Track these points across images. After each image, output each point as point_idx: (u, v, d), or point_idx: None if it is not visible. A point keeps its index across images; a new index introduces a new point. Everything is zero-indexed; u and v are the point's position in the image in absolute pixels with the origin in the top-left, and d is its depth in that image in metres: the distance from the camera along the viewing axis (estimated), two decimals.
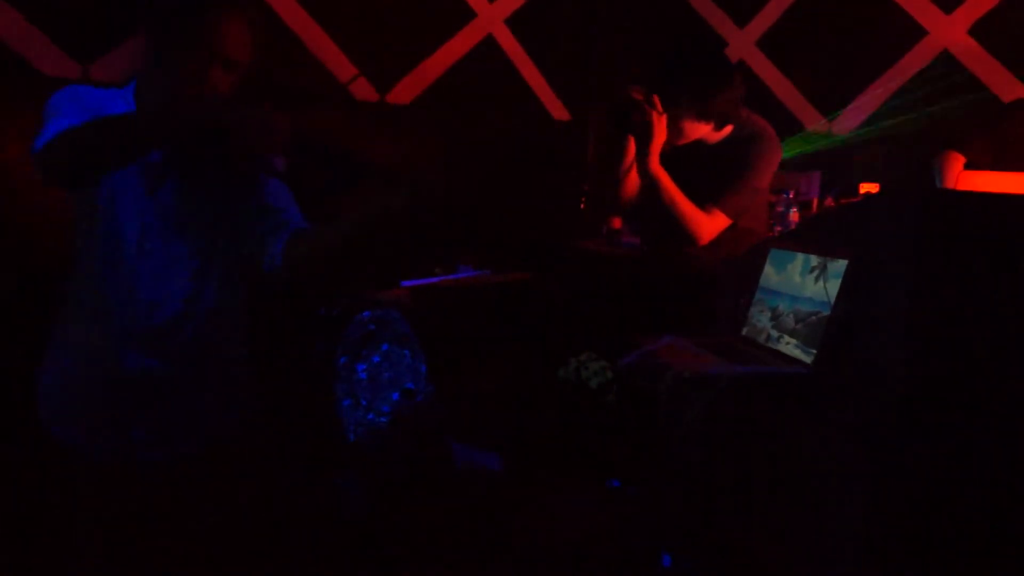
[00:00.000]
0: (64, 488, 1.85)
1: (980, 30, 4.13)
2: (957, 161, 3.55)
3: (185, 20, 1.66)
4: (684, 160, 2.52)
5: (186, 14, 1.66)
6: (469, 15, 4.37)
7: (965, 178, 3.51)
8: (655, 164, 2.51)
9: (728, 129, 2.63)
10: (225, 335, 1.91)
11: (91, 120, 1.55)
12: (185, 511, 1.86)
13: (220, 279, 1.84)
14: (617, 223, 4.30)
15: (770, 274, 1.97)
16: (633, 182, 2.72)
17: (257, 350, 2.07)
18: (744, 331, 2.00)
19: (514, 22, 4.50)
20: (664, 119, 2.49)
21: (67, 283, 1.84)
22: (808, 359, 1.71)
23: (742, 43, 4.58)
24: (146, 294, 1.77)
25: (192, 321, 1.81)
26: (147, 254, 1.77)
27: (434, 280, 3.68)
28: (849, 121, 4.41)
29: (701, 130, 2.60)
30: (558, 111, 4.72)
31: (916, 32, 4.24)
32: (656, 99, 2.48)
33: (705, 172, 2.54)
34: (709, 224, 2.53)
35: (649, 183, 2.53)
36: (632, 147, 2.64)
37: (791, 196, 3.30)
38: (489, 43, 4.43)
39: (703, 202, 2.54)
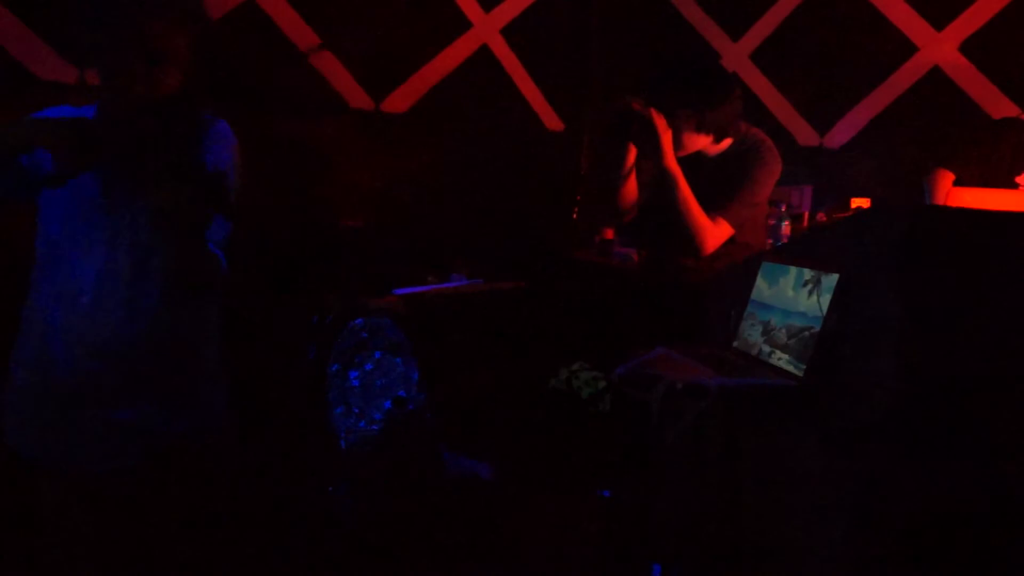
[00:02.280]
0: (27, 501, 1.84)
1: (971, 47, 4.17)
2: (947, 178, 3.58)
3: (110, 22, 1.72)
4: (683, 172, 2.53)
5: (111, 16, 1.72)
6: (465, 25, 4.39)
7: (955, 195, 3.54)
8: (670, 160, 2.50)
9: (727, 142, 2.64)
10: (179, 340, 1.88)
11: None
12: (147, 520, 1.86)
13: (160, 282, 1.81)
14: (610, 233, 4.32)
15: (762, 287, 1.99)
16: (630, 190, 2.72)
17: (249, 357, 2.07)
18: (735, 343, 2.01)
19: (509, 32, 4.52)
20: (662, 118, 2.49)
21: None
22: (798, 372, 1.73)
23: (736, 56, 4.61)
24: (86, 299, 1.77)
25: (135, 325, 1.80)
26: (83, 261, 1.78)
27: (427, 288, 3.69)
28: (840, 135, 4.44)
29: (700, 142, 2.61)
30: (552, 121, 4.74)
31: (907, 48, 4.28)
32: (654, 110, 2.49)
33: (705, 184, 2.54)
34: (714, 232, 2.53)
35: (663, 182, 2.52)
36: (631, 154, 2.64)
37: (783, 209, 3.32)
38: (484, 53, 4.46)
39: (705, 213, 2.54)
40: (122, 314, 1.78)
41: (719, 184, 2.57)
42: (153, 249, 1.79)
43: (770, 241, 3.12)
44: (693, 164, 2.58)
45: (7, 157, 1.69)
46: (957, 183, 3.58)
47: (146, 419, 1.83)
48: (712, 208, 2.53)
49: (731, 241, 2.57)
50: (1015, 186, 3.56)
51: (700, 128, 2.56)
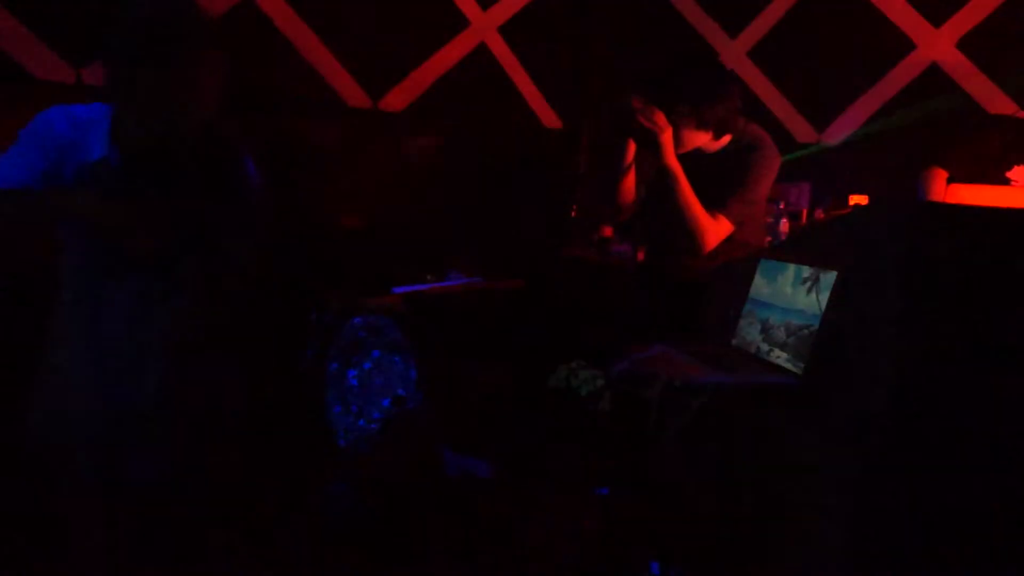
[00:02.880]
0: (52, 507, 1.85)
1: (968, 44, 4.17)
2: (940, 177, 3.59)
3: (156, 50, 1.62)
4: (683, 169, 2.53)
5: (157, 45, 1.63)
6: (462, 23, 4.39)
7: (951, 191, 3.55)
8: (671, 158, 2.51)
9: (726, 139, 2.65)
10: (205, 360, 1.88)
11: None
12: (172, 529, 1.86)
13: (185, 303, 1.82)
14: (608, 231, 4.32)
15: (760, 284, 1.98)
16: (630, 187, 2.73)
17: (248, 357, 2.07)
18: (734, 341, 2.01)
19: (507, 30, 4.52)
20: (661, 114, 2.50)
21: (52, 305, 1.85)
22: (797, 369, 1.73)
23: (733, 53, 4.60)
24: (113, 325, 1.77)
25: (165, 352, 1.80)
26: (109, 286, 1.77)
27: (425, 287, 3.69)
28: (839, 132, 4.44)
29: (700, 139, 2.61)
30: (550, 119, 4.74)
31: (905, 45, 4.28)
32: (654, 108, 2.50)
33: (705, 181, 2.55)
34: (714, 229, 2.53)
35: (663, 179, 2.52)
36: (631, 151, 2.65)
37: (781, 207, 3.32)
38: (482, 51, 4.45)
39: (705, 210, 2.55)
40: (151, 337, 1.79)
41: (719, 181, 2.57)
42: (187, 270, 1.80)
43: (769, 239, 3.12)
44: (692, 161, 2.58)
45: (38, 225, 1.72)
46: (951, 180, 3.58)
47: (187, 429, 1.85)
48: (712, 205, 2.53)
49: (730, 239, 2.57)
50: (1007, 182, 3.57)
51: (700, 125, 2.57)
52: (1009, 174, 3.59)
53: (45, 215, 1.69)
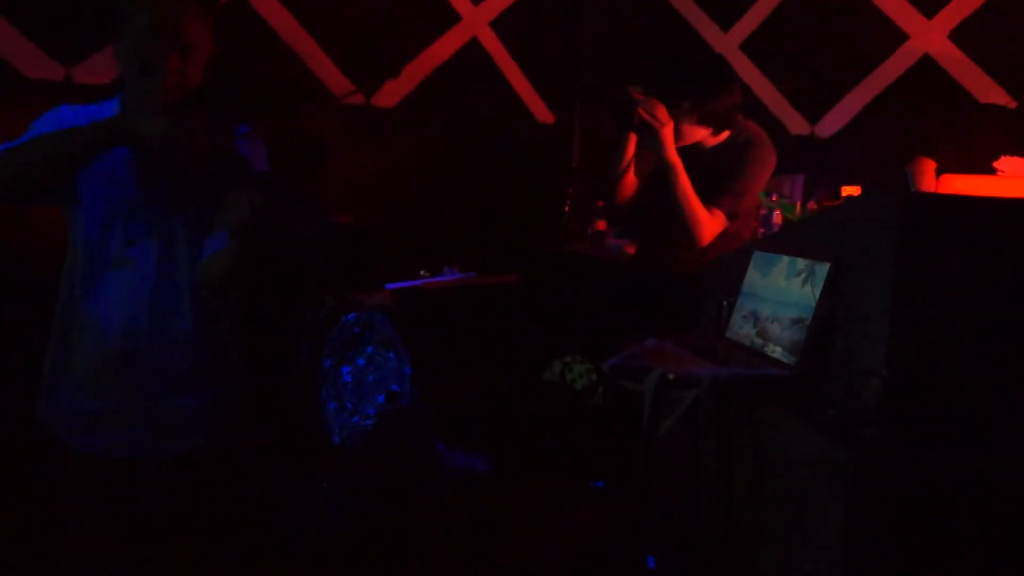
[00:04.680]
0: (59, 485, 1.85)
1: (960, 35, 4.17)
2: (929, 166, 3.60)
3: (138, 13, 1.71)
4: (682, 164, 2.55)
5: (138, 7, 1.72)
6: (454, 18, 4.38)
7: (944, 182, 3.55)
8: (671, 152, 2.52)
9: (725, 134, 2.66)
10: (222, 333, 1.92)
11: (24, 140, 1.67)
12: (178, 509, 1.87)
13: (192, 286, 1.83)
14: (602, 225, 4.32)
15: (754, 277, 1.98)
16: (630, 181, 2.74)
17: (243, 352, 2.07)
18: (728, 334, 2.01)
19: (499, 25, 4.51)
20: (663, 108, 2.51)
21: (60, 290, 1.85)
22: (791, 362, 1.73)
23: (725, 46, 4.60)
24: (122, 300, 1.78)
25: (190, 318, 1.82)
26: (119, 261, 1.78)
27: (419, 283, 3.69)
28: (831, 124, 4.44)
29: (699, 134, 2.63)
30: (542, 113, 4.73)
31: (897, 36, 4.28)
32: (656, 101, 2.51)
33: (702, 176, 2.56)
34: (711, 223, 2.55)
35: (663, 174, 2.53)
36: (631, 146, 2.66)
37: (774, 199, 3.32)
38: (474, 46, 4.45)
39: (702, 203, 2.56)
40: (180, 306, 1.81)
41: (716, 176, 2.58)
42: (201, 243, 1.80)
43: (762, 231, 3.12)
44: (690, 155, 2.59)
45: (83, 160, 1.69)
46: (940, 171, 3.59)
47: (203, 406, 1.87)
48: (709, 200, 2.54)
49: (723, 231, 2.58)
50: (994, 172, 3.59)
51: (701, 120, 2.59)
52: (996, 164, 3.61)
53: (90, 143, 1.64)
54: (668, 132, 2.51)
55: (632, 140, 2.65)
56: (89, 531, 1.86)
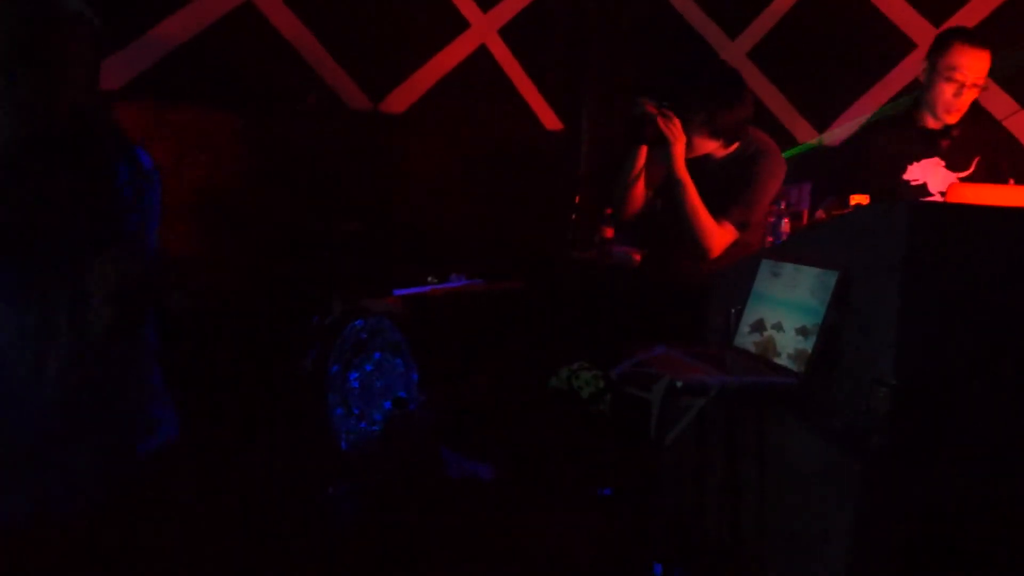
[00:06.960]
0: None
1: None
2: None
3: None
4: (691, 175, 2.55)
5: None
6: (463, 25, 4.39)
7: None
8: (681, 168, 2.53)
9: (735, 146, 2.66)
10: (121, 373, 1.74)
11: None
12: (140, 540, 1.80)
13: (96, 326, 1.68)
14: (609, 233, 4.32)
15: (761, 285, 1.98)
16: (640, 193, 2.75)
17: (250, 359, 2.06)
18: (735, 342, 2.01)
19: (507, 32, 4.52)
20: (679, 123, 2.51)
21: None
22: (798, 370, 1.73)
23: (733, 54, 4.60)
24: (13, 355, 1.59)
25: (76, 367, 1.64)
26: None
27: (426, 289, 3.69)
28: (839, 133, 4.44)
29: (709, 146, 2.64)
30: (550, 121, 4.74)
31: (905, 45, 4.28)
32: (670, 111, 2.51)
33: (712, 187, 2.56)
34: (720, 236, 2.55)
35: (672, 188, 2.54)
36: (642, 157, 2.67)
37: (782, 207, 3.31)
38: (482, 53, 4.45)
39: (711, 215, 2.56)
40: (60, 358, 1.63)
41: (726, 187, 2.59)
42: (85, 294, 1.65)
43: (770, 239, 3.12)
44: (700, 166, 2.60)
45: None
46: None
47: (101, 453, 1.70)
48: (718, 212, 2.55)
49: (733, 241, 2.59)
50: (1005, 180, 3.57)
51: (713, 134, 2.59)
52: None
53: None
54: (680, 148, 2.51)
55: (642, 152, 2.66)
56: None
